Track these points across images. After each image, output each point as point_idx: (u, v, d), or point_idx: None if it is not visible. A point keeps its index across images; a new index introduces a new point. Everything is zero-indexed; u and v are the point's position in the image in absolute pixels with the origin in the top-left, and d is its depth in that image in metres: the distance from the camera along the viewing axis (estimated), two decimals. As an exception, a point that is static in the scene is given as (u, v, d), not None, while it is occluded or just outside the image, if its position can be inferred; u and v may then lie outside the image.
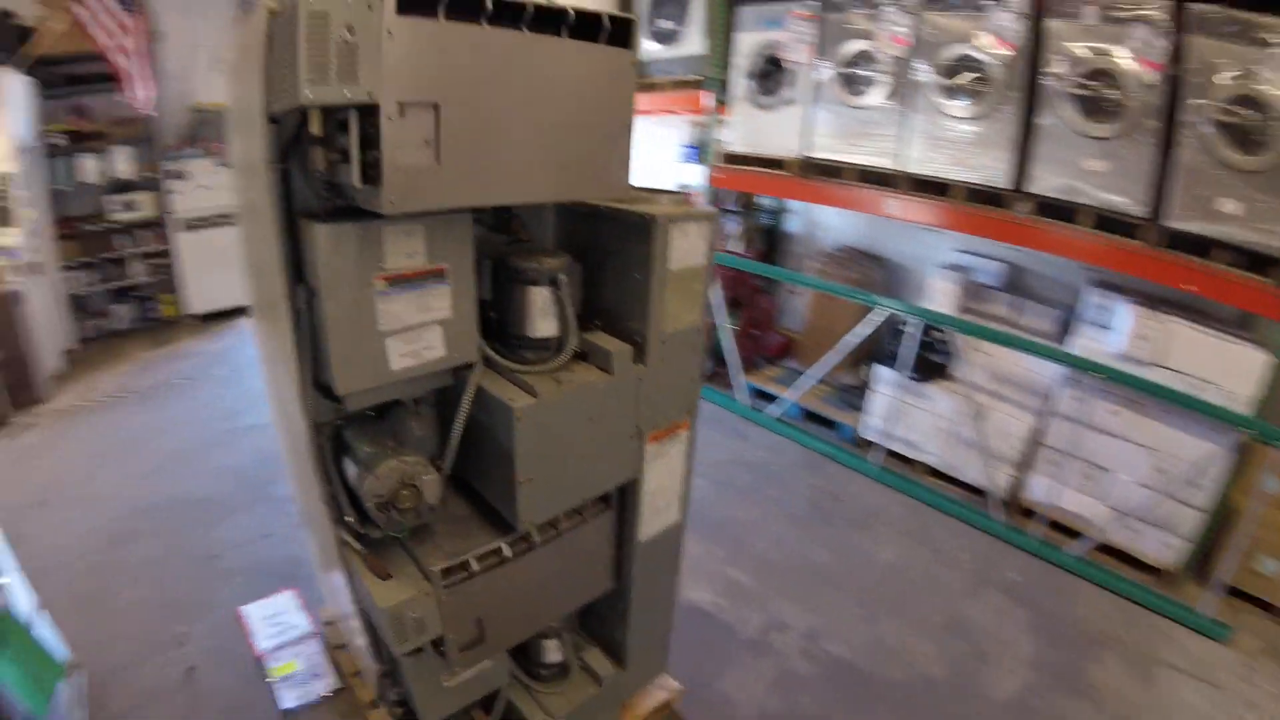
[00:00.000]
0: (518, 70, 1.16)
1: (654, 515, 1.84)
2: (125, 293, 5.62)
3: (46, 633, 2.22)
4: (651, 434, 1.69)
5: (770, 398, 4.46)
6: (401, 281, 1.30)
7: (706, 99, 4.37)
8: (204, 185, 5.43)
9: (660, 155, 5.42)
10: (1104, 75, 2.86)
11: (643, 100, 4.58)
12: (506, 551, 1.52)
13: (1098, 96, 2.88)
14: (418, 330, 1.36)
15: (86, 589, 2.95)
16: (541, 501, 1.52)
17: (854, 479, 3.82)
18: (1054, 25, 3.00)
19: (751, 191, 4.85)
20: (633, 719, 2.26)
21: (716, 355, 4.54)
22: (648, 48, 4.56)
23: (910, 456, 3.89)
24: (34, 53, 4.62)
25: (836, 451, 4.05)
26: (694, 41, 4.38)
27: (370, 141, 1.07)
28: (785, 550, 3.26)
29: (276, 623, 2.79)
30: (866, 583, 3.06)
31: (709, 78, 4.33)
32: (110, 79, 4.89)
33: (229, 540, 3.21)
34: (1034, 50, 3.07)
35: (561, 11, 1.18)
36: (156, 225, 5.46)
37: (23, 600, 2.14)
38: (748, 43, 4.05)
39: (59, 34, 4.68)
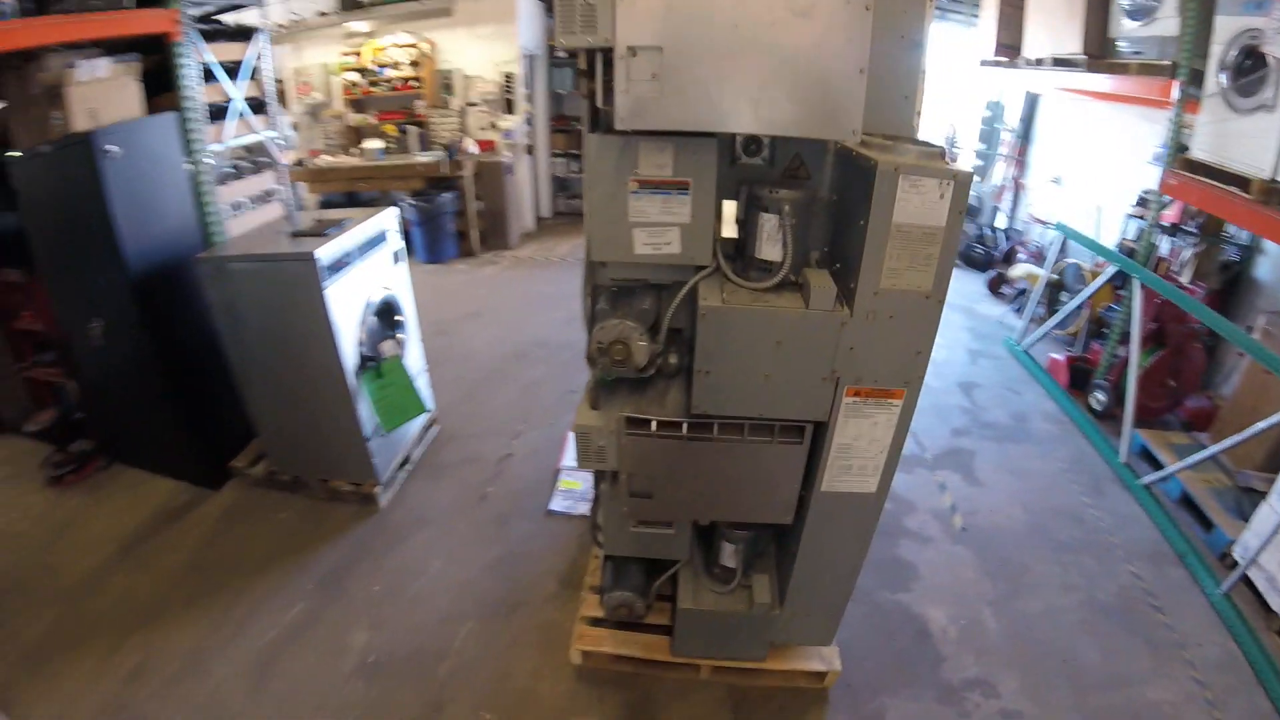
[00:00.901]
0: (733, 17, 1.39)
1: (842, 472, 1.95)
2: None
3: (424, 387, 3.67)
4: (851, 388, 1.79)
5: (1155, 464, 3.77)
6: (650, 186, 1.73)
7: (1174, 90, 3.73)
8: None
9: (1119, 149, 4.98)
10: None
11: (1103, 82, 4.30)
12: (684, 429, 1.92)
13: None
14: (660, 228, 1.79)
15: (475, 378, 4.64)
16: (716, 396, 1.84)
17: (1190, 595, 3.10)
18: None
19: (1202, 209, 3.93)
20: (777, 668, 2.50)
21: (1118, 392, 4.06)
22: (1121, 23, 4.19)
23: (1270, 604, 2.89)
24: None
25: (1189, 555, 3.26)
26: (1169, 19, 3.75)
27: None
28: (1057, 627, 2.93)
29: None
30: (1109, 705, 2.62)
31: (1180, 65, 3.67)
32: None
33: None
34: None
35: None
36: None
37: (416, 358, 3.59)
38: (1226, 28, 3.25)
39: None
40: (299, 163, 6.37)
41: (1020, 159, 6.56)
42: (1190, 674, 2.72)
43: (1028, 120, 6.53)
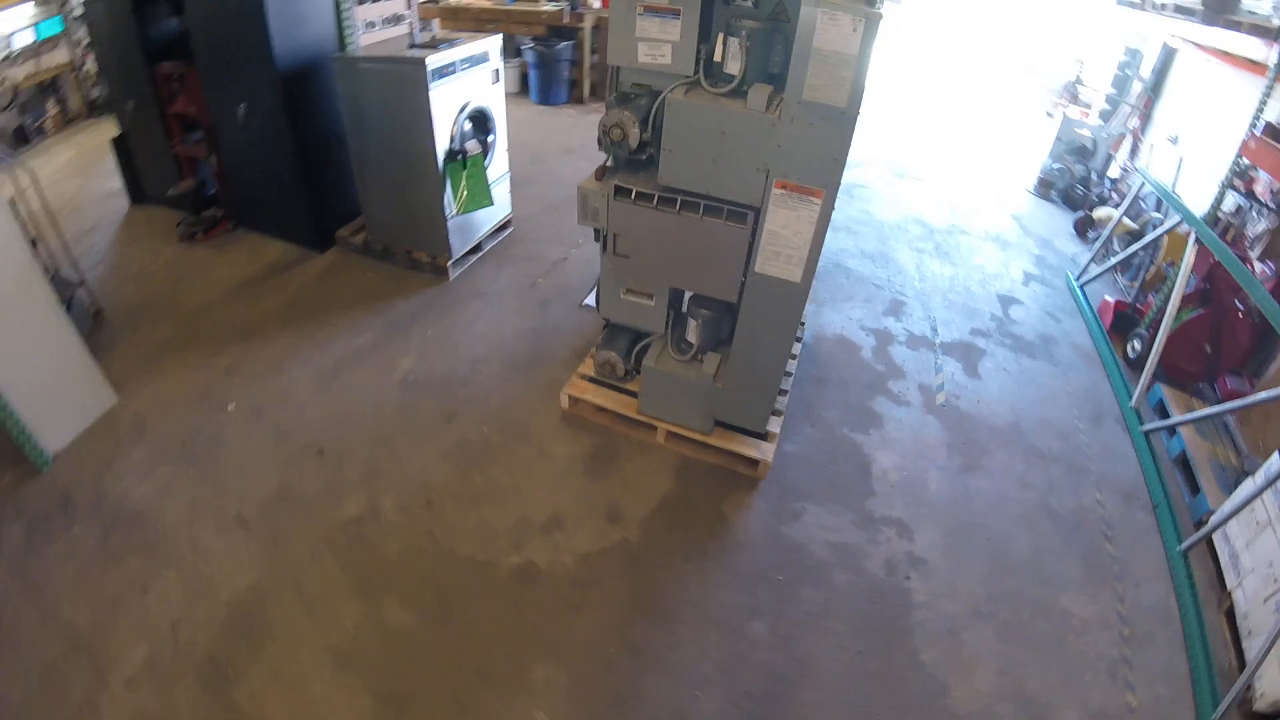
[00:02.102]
0: None
1: (772, 257, 2.77)
2: None
3: (502, 190, 4.77)
4: (779, 180, 2.60)
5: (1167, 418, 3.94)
6: (652, 10, 2.54)
7: (1273, 53, 3.91)
8: None
9: (1233, 115, 4.92)
10: None
11: (1217, 36, 4.58)
12: (654, 199, 2.80)
13: None
14: (657, 43, 2.60)
15: (554, 199, 5.88)
16: (677, 171, 2.69)
17: (1148, 541, 3.35)
18: None
19: (1275, 176, 4.06)
20: (720, 445, 3.39)
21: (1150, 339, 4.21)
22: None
23: (1225, 580, 3.04)
24: None
25: (1163, 505, 3.48)
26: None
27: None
28: (997, 510, 3.42)
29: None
30: (1018, 591, 3.05)
31: None
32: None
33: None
34: None
35: None
36: None
37: (500, 165, 4.67)
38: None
39: None
40: None
41: (1146, 111, 6.62)
42: (1116, 605, 2.97)
43: (1160, 73, 6.57)
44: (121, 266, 4.84)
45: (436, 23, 7.34)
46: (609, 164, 3.04)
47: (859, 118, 2.41)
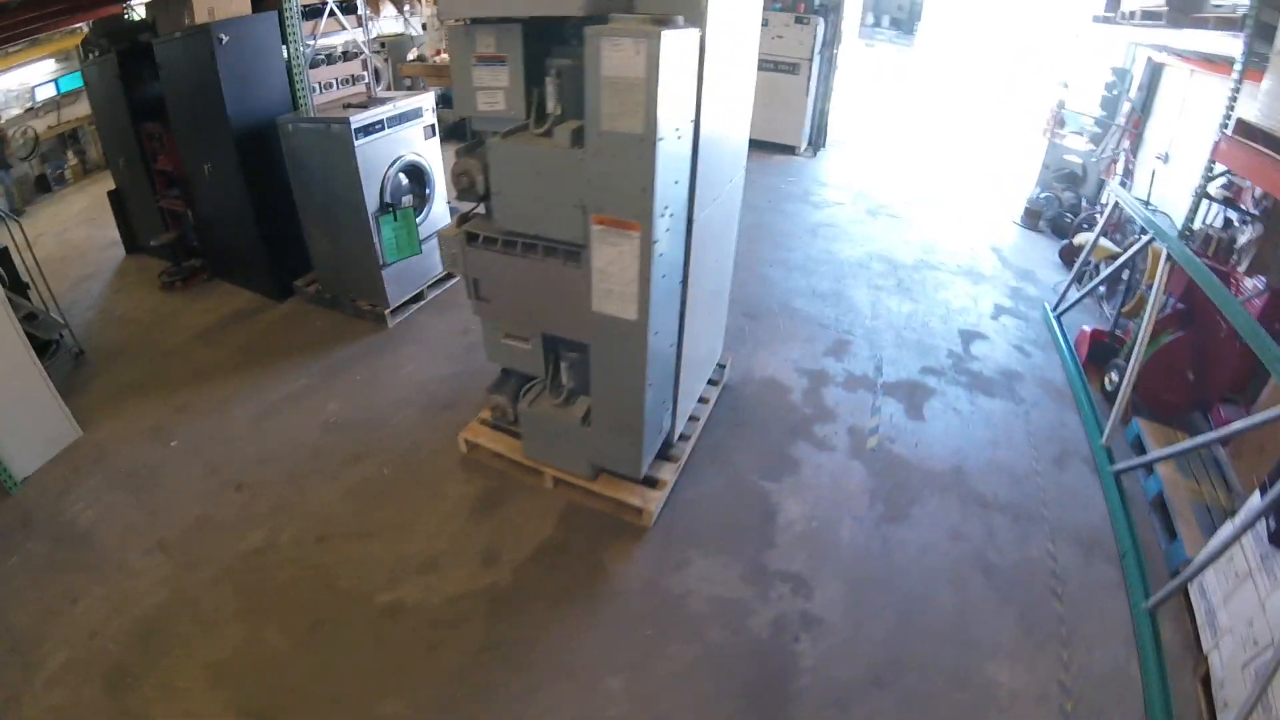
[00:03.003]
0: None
1: (605, 296, 2.65)
2: None
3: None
4: (595, 215, 2.49)
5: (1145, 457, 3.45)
6: (483, 59, 2.53)
7: (1240, 44, 3.69)
8: (778, 35, 7.44)
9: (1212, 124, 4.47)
10: None
11: (1187, 39, 4.32)
12: (498, 242, 2.76)
13: None
14: (491, 90, 2.59)
15: None
16: (508, 213, 2.67)
17: (1109, 599, 2.92)
18: None
19: (1246, 177, 3.73)
20: (604, 493, 3.23)
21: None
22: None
23: (1201, 641, 2.61)
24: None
25: (1130, 554, 3.04)
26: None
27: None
28: (919, 565, 3.08)
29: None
30: (931, 657, 2.69)
31: (1249, 19, 3.60)
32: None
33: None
34: None
35: None
36: None
37: (440, 214, 4.72)
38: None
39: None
40: (420, 58, 7.86)
41: (1137, 132, 6.13)
42: (1059, 674, 2.58)
43: (1148, 90, 6.13)
44: (108, 311, 5.23)
45: (386, 85, 7.59)
46: (475, 210, 3.01)
47: (661, 143, 2.31)
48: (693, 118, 2.52)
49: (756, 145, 8.05)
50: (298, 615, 2.87)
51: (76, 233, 6.57)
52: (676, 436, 3.47)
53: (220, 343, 4.72)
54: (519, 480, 3.47)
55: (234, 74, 4.35)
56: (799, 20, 7.42)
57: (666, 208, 2.50)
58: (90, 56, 5.46)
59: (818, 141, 8.27)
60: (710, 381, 3.97)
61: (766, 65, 7.61)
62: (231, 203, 4.78)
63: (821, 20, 7.45)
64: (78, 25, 5.85)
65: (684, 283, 2.93)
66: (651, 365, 2.79)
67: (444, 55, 8.10)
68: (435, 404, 4.04)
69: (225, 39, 4.21)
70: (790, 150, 8.21)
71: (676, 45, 2.19)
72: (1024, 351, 4.67)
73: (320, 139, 4.23)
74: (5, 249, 4.31)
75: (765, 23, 7.54)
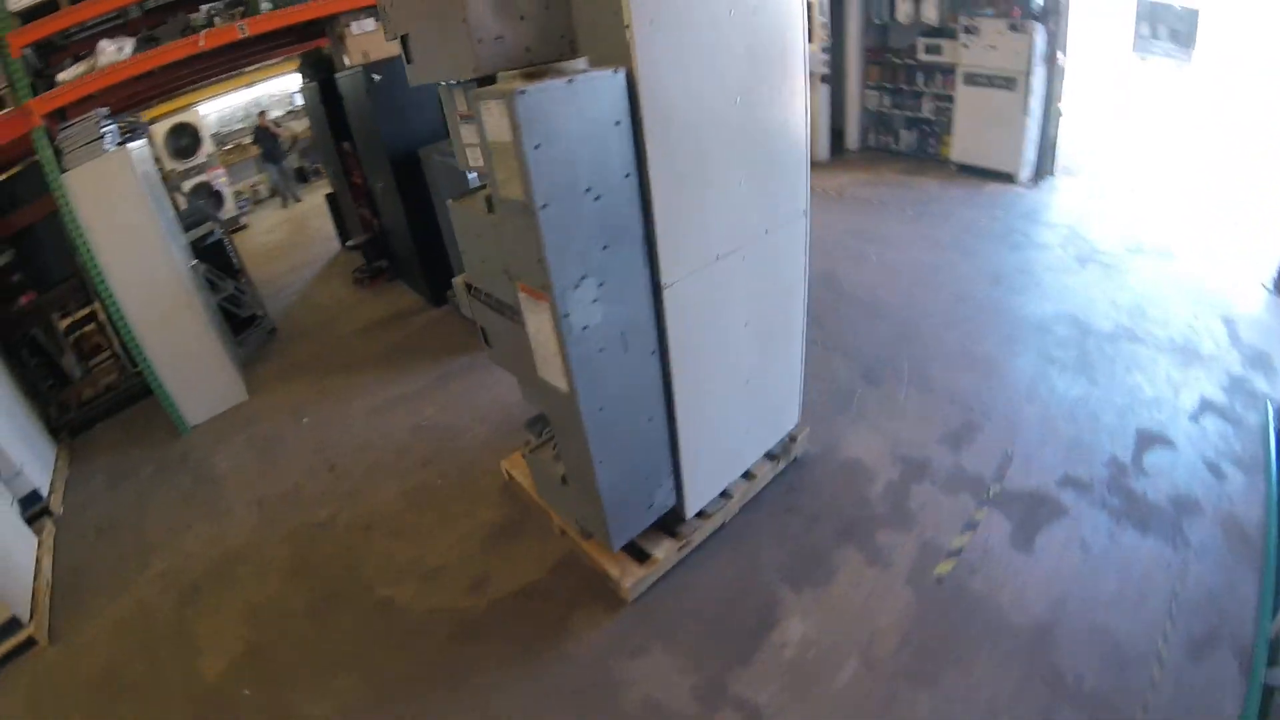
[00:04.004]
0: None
1: (542, 362, 2.42)
2: (915, 123, 7.28)
3: None
4: (519, 283, 2.27)
5: None
6: (465, 117, 2.43)
7: None
8: (990, 45, 6.12)
9: None
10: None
11: None
12: (481, 294, 2.70)
13: None
14: (473, 147, 2.47)
15: None
16: (470, 271, 2.64)
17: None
18: None
19: None
20: (593, 553, 3.03)
21: None
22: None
23: None
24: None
25: None
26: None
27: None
28: None
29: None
30: None
31: None
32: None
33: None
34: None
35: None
36: (949, 71, 6.61)
37: None
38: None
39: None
40: None
41: None
42: None
43: None
44: (307, 297, 6.51)
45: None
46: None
47: (545, 210, 2.02)
48: (628, 172, 2.14)
49: (967, 171, 6.77)
50: (320, 586, 3.36)
51: (314, 222, 8.12)
52: (691, 513, 3.07)
53: (375, 338, 5.48)
54: (539, 518, 3.43)
55: (388, 107, 4.95)
56: (1013, 27, 5.92)
57: (585, 276, 2.19)
58: (304, 81, 6.58)
59: (1043, 168, 6.55)
60: (769, 455, 3.41)
61: (978, 80, 6.31)
62: (396, 217, 5.44)
63: (1040, 26, 5.86)
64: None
65: (658, 356, 2.54)
66: (598, 441, 2.50)
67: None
68: (507, 426, 4.15)
69: (378, 78, 4.75)
70: (1006, 178, 6.61)
71: (551, 100, 1.86)
72: (1217, 472, 3.17)
73: (446, 172, 4.56)
74: (221, 240, 5.49)
75: (973, 30, 6.20)
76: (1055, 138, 6.40)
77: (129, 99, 5.43)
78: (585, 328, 2.25)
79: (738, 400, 3.01)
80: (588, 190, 2.06)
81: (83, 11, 3.44)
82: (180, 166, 8.85)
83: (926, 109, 7.05)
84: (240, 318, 5.51)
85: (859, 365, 4.24)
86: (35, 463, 4.14)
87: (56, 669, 3.20)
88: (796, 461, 3.52)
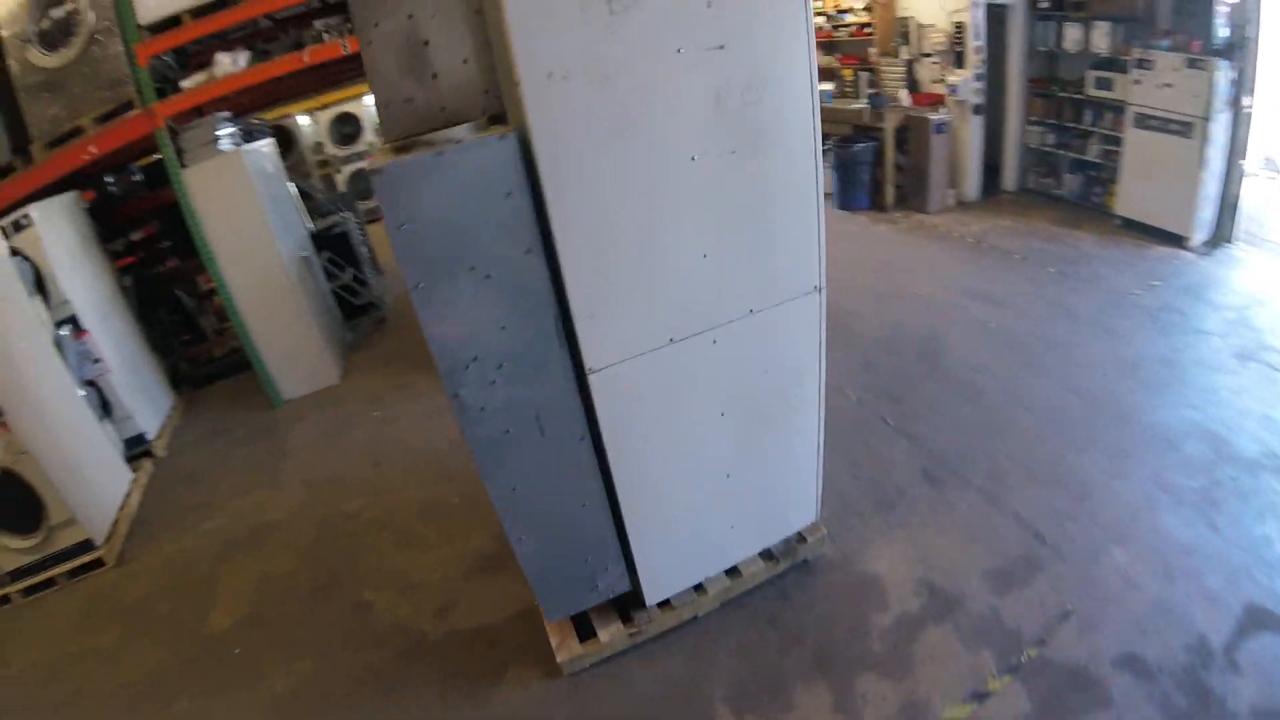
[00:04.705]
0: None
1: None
2: (1080, 166, 6.05)
3: None
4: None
5: None
6: None
7: None
8: (1165, 83, 4.90)
9: None
10: None
11: None
12: None
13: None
14: None
15: None
16: None
17: None
18: None
19: None
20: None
21: None
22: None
23: None
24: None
25: None
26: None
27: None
28: None
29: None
30: None
31: None
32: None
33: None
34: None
35: None
36: (1120, 110, 5.39)
37: None
38: None
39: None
40: None
41: None
42: None
43: None
44: None
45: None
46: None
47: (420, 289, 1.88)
48: (529, 247, 1.87)
49: (1132, 227, 5.50)
50: (324, 572, 3.56)
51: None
52: (651, 601, 2.78)
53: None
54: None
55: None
56: (1192, 63, 4.59)
57: (476, 358, 1.99)
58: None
59: (1221, 233, 5.05)
60: (767, 555, 2.96)
61: (1150, 122, 5.04)
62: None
63: (1224, 64, 4.47)
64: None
65: (589, 443, 2.27)
66: (511, 519, 2.36)
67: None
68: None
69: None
70: (1177, 241, 5.16)
71: (413, 175, 1.71)
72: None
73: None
74: (346, 231, 5.85)
75: (1147, 64, 4.92)
76: (1238, 198, 4.94)
77: (250, 103, 5.92)
78: (482, 409, 2.05)
79: (714, 493, 2.63)
80: (473, 269, 1.86)
81: (203, 27, 3.80)
82: (341, 152, 9.44)
83: (1093, 151, 5.79)
84: (355, 305, 5.90)
85: (923, 457, 3.57)
86: (148, 410, 4.77)
87: (110, 588, 3.76)
88: (805, 565, 3.03)
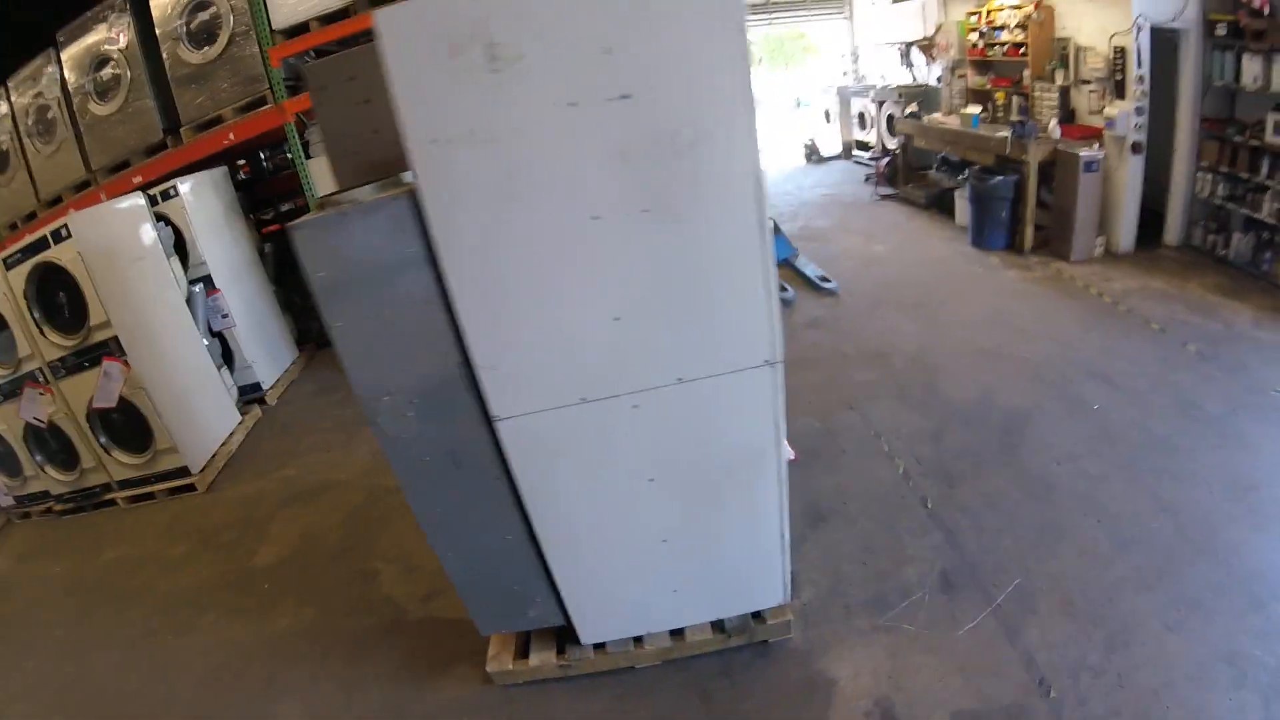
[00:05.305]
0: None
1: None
2: (1253, 224, 4.84)
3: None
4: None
5: None
6: None
7: None
8: None
9: None
10: None
11: None
12: None
13: None
14: None
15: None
16: None
17: None
18: None
19: None
20: None
21: None
22: None
23: None
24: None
25: None
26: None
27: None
28: None
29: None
30: None
31: None
32: None
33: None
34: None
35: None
36: None
37: None
38: None
39: None
40: (915, 114, 6.73)
41: None
42: None
43: None
44: None
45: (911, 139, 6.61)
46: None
47: (339, 329, 2.02)
48: (428, 299, 1.92)
49: None
50: (351, 536, 3.92)
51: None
52: (587, 641, 2.76)
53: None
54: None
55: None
56: None
57: (388, 394, 2.09)
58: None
59: None
60: (719, 626, 2.78)
61: None
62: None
63: None
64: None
65: (505, 482, 2.27)
66: (435, 535, 2.42)
67: (938, 116, 6.77)
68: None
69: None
70: None
71: (322, 232, 1.85)
72: None
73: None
74: None
75: None
76: None
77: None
78: (399, 438, 2.14)
79: (650, 556, 2.51)
80: (378, 316, 1.96)
81: (329, 33, 4.23)
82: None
83: (1267, 209, 4.55)
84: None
85: (950, 557, 3.10)
86: (268, 362, 5.49)
87: (194, 510, 4.44)
88: (764, 645, 2.79)
